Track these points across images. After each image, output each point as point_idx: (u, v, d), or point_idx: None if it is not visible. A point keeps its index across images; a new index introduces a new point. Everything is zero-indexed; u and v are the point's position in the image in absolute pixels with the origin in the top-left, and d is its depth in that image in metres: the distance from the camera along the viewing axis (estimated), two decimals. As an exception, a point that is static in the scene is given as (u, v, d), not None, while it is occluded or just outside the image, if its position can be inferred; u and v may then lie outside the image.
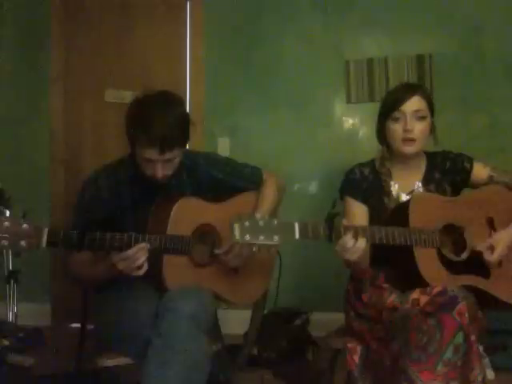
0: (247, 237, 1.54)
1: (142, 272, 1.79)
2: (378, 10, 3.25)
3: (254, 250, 1.58)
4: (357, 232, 1.74)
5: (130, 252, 1.76)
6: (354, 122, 3.31)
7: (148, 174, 1.93)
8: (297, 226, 1.64)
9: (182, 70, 3.45)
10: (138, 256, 1.77)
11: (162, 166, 1.90)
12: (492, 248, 1.90)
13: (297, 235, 1.64)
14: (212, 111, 3.39)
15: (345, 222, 1.77)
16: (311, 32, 3.32)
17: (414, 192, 2.03)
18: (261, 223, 1.57)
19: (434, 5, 3.20)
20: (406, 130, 1.96)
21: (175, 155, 1.92)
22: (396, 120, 1.98)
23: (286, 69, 3.35)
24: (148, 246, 1.79)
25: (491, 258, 1.89)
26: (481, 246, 1.91)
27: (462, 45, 3.19)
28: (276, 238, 1.57)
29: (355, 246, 1.72)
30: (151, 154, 1.86)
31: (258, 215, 1.59)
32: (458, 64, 3.19)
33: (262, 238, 1.55)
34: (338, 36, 3.30)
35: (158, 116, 1.85)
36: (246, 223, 1.55)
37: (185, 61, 3.45)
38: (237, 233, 1.54)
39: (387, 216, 1.96)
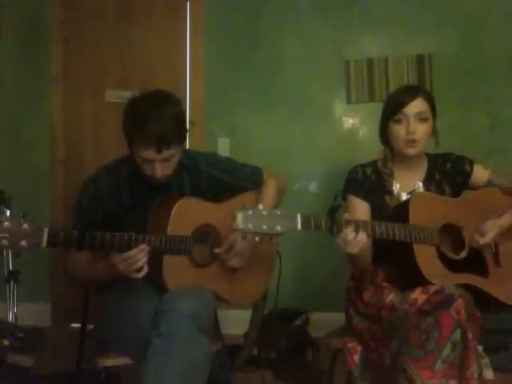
0: (250, 226, 1.55)
1: (141, 275, 1.78)
2: (378, 10, 3.25)
3: (257, 239, 1.59)
4: (358, 226, 1.76)
5: (130, 253, 1.75)
6: (354, 122, 3.31)
7: (147, 175, 1.93)
8: (299, 216, 1.65)
9: (182, 70, 3.45)
10: (138, 257, 1.76)
11: (160, 165, 1.90)
12: (482, 234, 1.92)
13: (299, 226, 1.65)
14: (212, 111, 3.38)
15: (346, 215, 1.79)
16: (311, 32, 3.32)
17: (415, 191, 2.04)
18: (264, 213, 1.58)
19: (434, 5, 3.20)
20: (408, 132, 1.97)
21: (173, 154, 1.91)
22: (398, 122, 2.00)
23: (286, 69, 3.35)
24: (148, 247, 1.79)
25: (482, 240, 1.91)
26: (471, 232, 1.92)
27: (462, 45, 3.19)
28: (278, 227, 1.58)
29: (356, 240, 1.74)
30: (148, 153, 1.86)
31: (260, 206, 1.60)
32: (458, 64, 3.19)
33: (264, 227, 1.56)
34: (337, 36, 3.30)
35: (152, 115, 1.85)
36: (249, 212, 1.56)
37: (185, 61, 3.45)
38: (240, 221, 1.54)
39: (388, 214, 1.97)
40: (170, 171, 1.95)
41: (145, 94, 1.94)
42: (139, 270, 1.78)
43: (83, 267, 1.94)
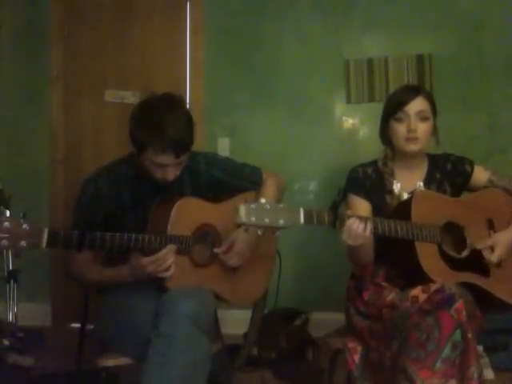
0: (253, 219, 1.55)
1: (169, 273, 1.82)
2: (378, 9, 3.25)
3: (259, 232, 1.60)
4: (361, 217, 1.77)
5: (159, 254, 1.79)
6: (354, 122, 3.31)
7: (158, 178, 1.93)
8: (302, 210, 1.65)
9: (182, 70, 3.45)
10: (167, 257, 1.80)
11: (173, 168, 1.91)
12: (492, 248, 1.92)
13: (302, 220, 1.64)
14: (212, 111, 3.39)
15: (349, 212, 1.80)
16: (311, 32, 3.32)
17: (416, 190, 2.04)
18: (266, 206, 1.57)
19: (434, 5, 3.20)
20: (409, 130, 1.98)
21: (186, 156, 1.93)
22: (400, 120, 2.00)
23: (286, 69, 3.35)
24: (175, 247, 1.83)
25: (492, 257, 1.92)
26: (481, 246, 1.93)
27: (461, 45, 3.19)
28: (281, 221, 1.58)
29: (359, 230, 1.74)
30: (165, 158, 1.87)
31: (263, 200, 1.60)
32: (458, 64, 3.19)
33: (267, 220, 1.56)
34: (338, 36, 3.30)
35: (169, 121, 1.85)
36: (252, 206, 1.56)
37: (185, 61, 3.45)
38: (242, 214, 1.54)
39: (390, 212, 1.97)
40: (179, 172, 1.96)
41: (154, 98, 1.93)
42: (167, 269, 1.81)
43: (88, 272, 1.95)
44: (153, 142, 1.85)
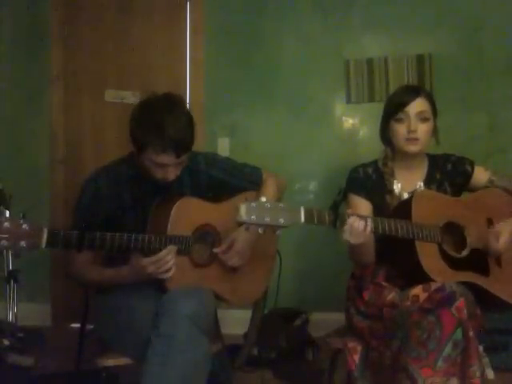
0: (253, 217, 1.55)
1: (170, 274, 1.82)
2: (378, 10, 3.25)
3: (260, 231, 1.60)
4: (362, 215, 1.77)
5: (160, 255, 1.79)
6: (354, 122, 3.31)
7: (158, 178, 1.93)
8: (302, 210, 1.65)
9: (182, 70, 3.45)
10: (167, 259, 1.80)
11: (174, 168, 1.91)
12: (497, 236, 1.93)
13: (302, 219, 1.65)
14: (212, 111, 3.38)
15: (349, 211, 1.80)
16: (311, 32, 3.32)
17: (417, 190, 2.04)
18: (267, 205, 1.58)
19: (434, 5, 3.20)
20: (410, 131, 1.99)
21: (186, 156, 1.93)
22: (400, 121, 2.01)
23: (286, 69, 3.35)
24: (176, 248, 1.82)
25: (497, 245, 1.93)
26: (487, 235, 1.93)
27: (461, 45, 3.19)
28: (281, 220, 1.58)
29: (361, 226, 1.74)
30: (165, 158, 1.87)
31: (263, 198, 1.60)
32: (458, 64, 3.19)
33: (267, 219, 1.56)
34: (337, 36, 3.30)
35: (169, 121, 1.85)
36: (253, 204, 1.56)
37: (185, 61, 3.45)
38: (243, 213, 1.54)
39: (390, 212, 1.97)
40: (179, 172, 1.96)
41: (154, 98, 1.93)
42: (167, 270, 1.81)
43: (88, 272, 1.95)
44: (153, 142, 1.85)
